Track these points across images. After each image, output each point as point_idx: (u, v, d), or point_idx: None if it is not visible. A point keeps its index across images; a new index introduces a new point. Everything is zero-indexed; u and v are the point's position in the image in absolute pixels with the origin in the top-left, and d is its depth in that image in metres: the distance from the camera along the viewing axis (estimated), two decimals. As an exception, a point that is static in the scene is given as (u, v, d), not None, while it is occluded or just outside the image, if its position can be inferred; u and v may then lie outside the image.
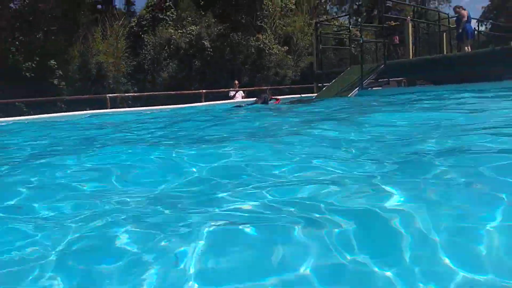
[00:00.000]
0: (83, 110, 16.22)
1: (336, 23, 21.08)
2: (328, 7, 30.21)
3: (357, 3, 29.67)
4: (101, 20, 18.66)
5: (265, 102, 8.67)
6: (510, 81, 7.91)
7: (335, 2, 29.45)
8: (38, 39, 15.89)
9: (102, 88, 16.68)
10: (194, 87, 18.45)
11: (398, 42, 11.98)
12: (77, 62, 17.21)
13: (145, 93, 15.00)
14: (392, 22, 10.93)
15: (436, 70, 8.81)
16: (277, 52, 20.24)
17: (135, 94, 15.07)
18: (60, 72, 15.93)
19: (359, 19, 28.21)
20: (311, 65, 16.15)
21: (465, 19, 11.48)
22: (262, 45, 19.53)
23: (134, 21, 19.74)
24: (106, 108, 10.81)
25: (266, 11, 20.46)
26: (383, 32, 11.68)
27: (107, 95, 10.57)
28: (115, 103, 15.59)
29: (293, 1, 22.81)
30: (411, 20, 10.93)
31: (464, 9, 11.61)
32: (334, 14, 29.64)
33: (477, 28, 14.00)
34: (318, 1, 26.27)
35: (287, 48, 21.21)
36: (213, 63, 18.87)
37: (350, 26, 11.39)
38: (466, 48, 11.88)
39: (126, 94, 13.55)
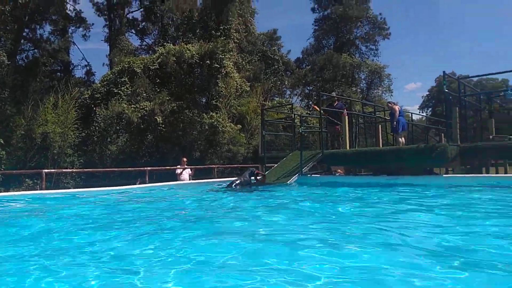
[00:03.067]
0: (21, 183, 15.55)
1: (287, 107, 22.19)
2: (283, 88, 32.09)
3: (308, 88, 31.76)
4: (55, 89, 18.61)
5: (252, 174, 9.31)
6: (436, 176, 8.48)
7: (288, 86, 31.36)
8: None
9: (45, 159, 16.14)
10: (145, 161, 18.31)
11: (341, 132, 12.63)
12: (22, 130, 16.74)
13: (85, 169, 14.64)
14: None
15: (366, 162, 9.34)
16: (230, 130, 20.79)
17: (74, 170, 14.67)
18: (1, 141, 15.35)
19: (310, 102, 30.06)
20: (262, 144, 16.78)
21: (397, 113, 12.52)
22: (216, 123, 20.06)
23: (88, 93, 19.83)
24: (40, 185, 10.34)
25: (221, 91, 21.37)
26: (326, 121, 12.42)
27: (43, 170, 10.17)
28: (58, 175, 15.04)
29: (248, 84, 24.10)
30: (347, 113, 11.72)
31: (396, 104, 12.71)
32: (288, 96, 31.50)
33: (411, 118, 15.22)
34: (272, 84, 27.94)
35: (241, 126, 21.89)
36: (165, 139, 19.00)
37: (294, 114, 12.00)
38: (400, 139, 12.80)
39: (64, 170, 13.13)
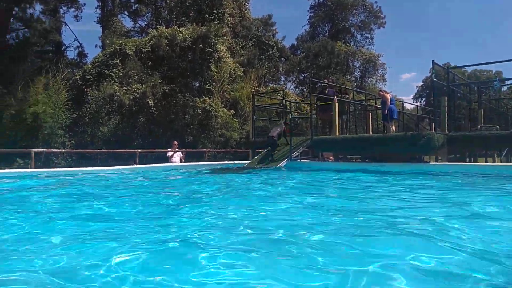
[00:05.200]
0: (11, 162, 15.48)
1: (280, 93, 22.15)
2: (278, 74, 31.98)
3: (302, 75, 31.69)
4: (46, 70, 18.40)
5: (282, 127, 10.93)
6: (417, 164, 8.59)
7: (282, 72, 31.27)
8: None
9: (36, 139, 16.06)
10: (137, 143, 18.28)
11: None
12: (12, 110, 16.61)
13: (75, 150, 14.61)
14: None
15: (353, 148, 9.45)
16: (223, 115, 20.76)
17: (64, 150, 14.61)
18: (-9, 119, 15.26)
19: (304, 89, 30.06)
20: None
21: (389, 101, 12.57)
22: (208, 107, 20.01)
23: (79, 75, 19.62)
24: (30, 164, 10.36)
25: (214, 76, 21.26)
26: (317, 108, 12.45)
27: (32, 150, 10.18)
28: (47, 156, 14.99)
29: (242, 69, 23.99)
30: (337, 99, 11.76)
31: (388, 92, 12.76)
32: (282, 83, 31.45)
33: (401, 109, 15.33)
34: (266, 70, 27.81)
35: (234, 112, 21.85)
36: (157, 122, 18.94)
37: (285, 100, 12.05)
38: (391, 127, 12.90)
39: (54, 150, 13.08)
